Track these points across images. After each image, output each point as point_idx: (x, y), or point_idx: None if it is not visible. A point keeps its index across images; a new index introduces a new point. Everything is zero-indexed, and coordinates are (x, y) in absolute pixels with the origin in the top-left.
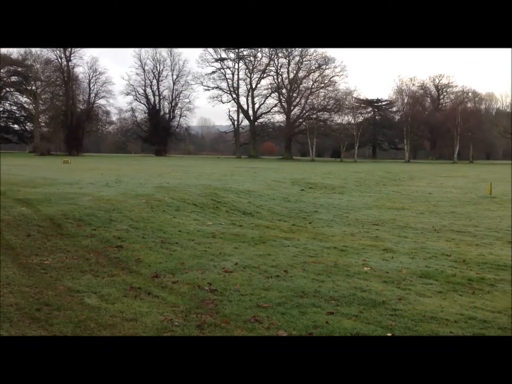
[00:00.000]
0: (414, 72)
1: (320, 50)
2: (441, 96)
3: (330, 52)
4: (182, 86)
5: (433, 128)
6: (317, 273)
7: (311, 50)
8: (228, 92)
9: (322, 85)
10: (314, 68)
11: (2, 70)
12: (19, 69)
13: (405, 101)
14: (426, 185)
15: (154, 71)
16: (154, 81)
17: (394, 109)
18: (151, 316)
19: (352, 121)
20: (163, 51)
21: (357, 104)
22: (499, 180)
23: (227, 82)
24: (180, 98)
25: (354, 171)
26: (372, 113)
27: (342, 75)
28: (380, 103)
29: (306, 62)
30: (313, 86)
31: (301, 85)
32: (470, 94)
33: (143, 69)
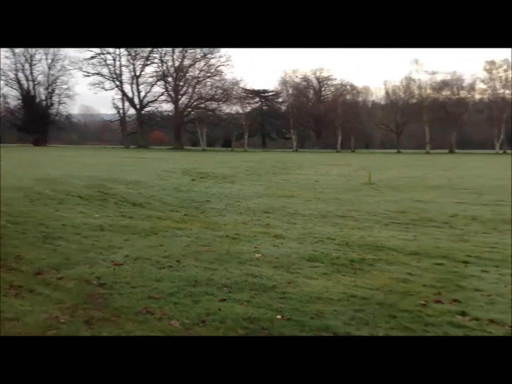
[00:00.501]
0: (296, 65)
1: None
2: (323, 88)
3: None
4: (59, 71)
5: (317, 119)
6: (209, 261)
7: None
8: (111, 78)
9: (209, 74)
10: (199, 57)
11: None
12: None
13: (290, 92)
14: (313, 173)
15: (25, 54)
16: (27, 65)
17: (280, 100)
18: (34, 315)
19: (241, 111)
20: None
21: (244, 94)
22: (377, 168)
23: (109, 69)
24: (58, 84)
25: (245, 160)
26: (259, 103)
27: (228, 65)
28: (266, 94)
29: (191, 51)
30: (199, 75)
31: (187, 74)
32: (348, 87)
33: (13, 52)
